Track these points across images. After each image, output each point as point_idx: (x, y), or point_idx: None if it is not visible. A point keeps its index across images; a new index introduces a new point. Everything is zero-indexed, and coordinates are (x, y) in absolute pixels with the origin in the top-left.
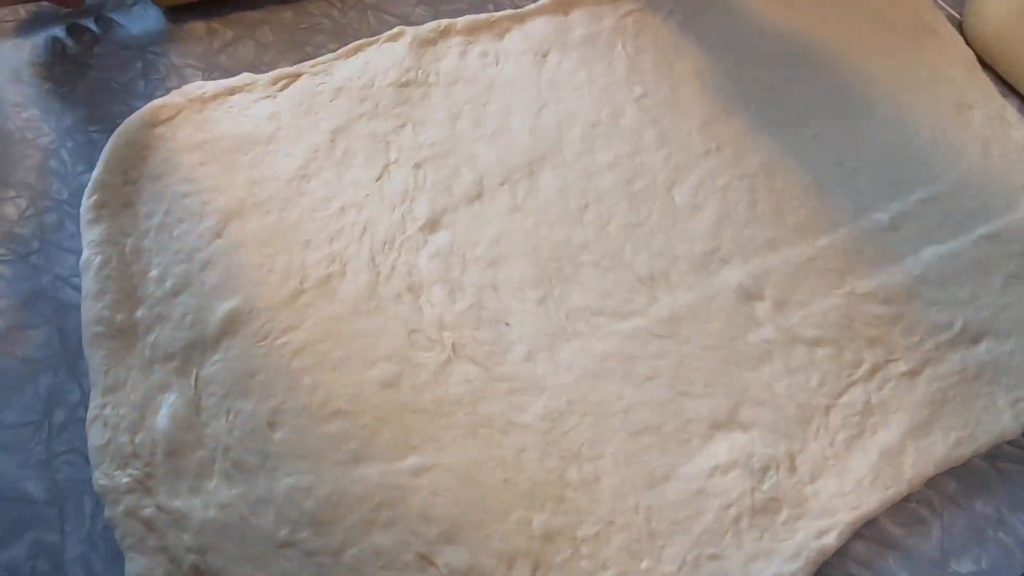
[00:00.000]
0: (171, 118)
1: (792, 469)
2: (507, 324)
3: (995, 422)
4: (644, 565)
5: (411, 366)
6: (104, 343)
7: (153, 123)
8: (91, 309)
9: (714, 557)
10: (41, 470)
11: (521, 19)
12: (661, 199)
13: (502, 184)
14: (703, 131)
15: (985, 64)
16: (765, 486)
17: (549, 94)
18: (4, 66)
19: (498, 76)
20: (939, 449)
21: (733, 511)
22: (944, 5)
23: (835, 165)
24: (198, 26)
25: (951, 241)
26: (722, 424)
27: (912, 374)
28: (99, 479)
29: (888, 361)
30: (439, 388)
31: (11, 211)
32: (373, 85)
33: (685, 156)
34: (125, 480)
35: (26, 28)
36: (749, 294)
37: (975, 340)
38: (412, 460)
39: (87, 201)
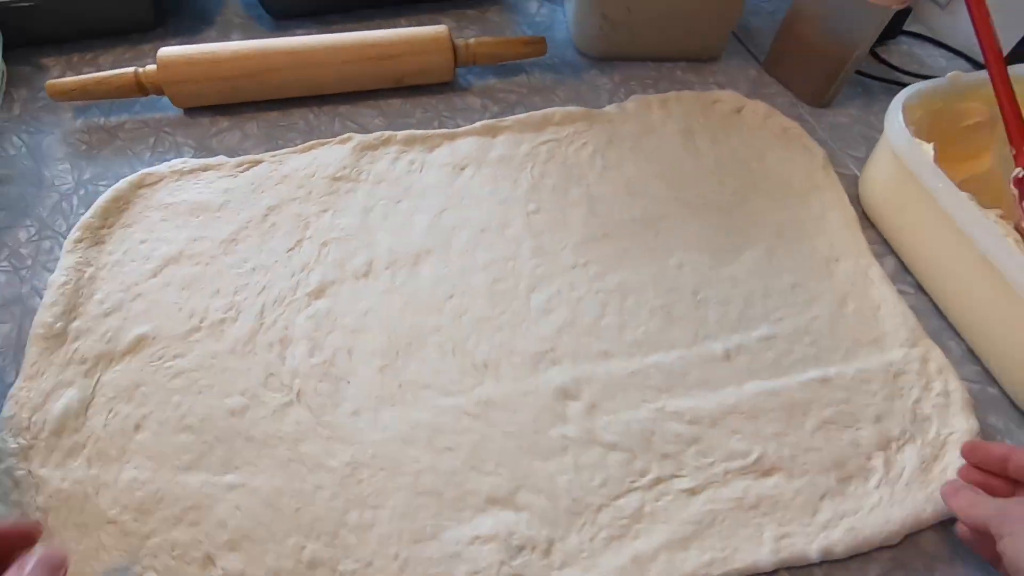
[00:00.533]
0: (154, 183)
1: (547, 553)
2: (348, 382)
3: (752, 553)
4: None
5: (258, 402)
6: (40, 342)
7: (140, 185)
8: (41, 315)
9: None
10: None
11: (452, 137)
12: (519, 300)
13: (387, 268)
14: (576, 249)
15: (872, 223)
16: (516, 562)
17: (454, 200)
18: (59, 128)
19: (417, 181)
20: (688, 565)
21: None
22: (850, 165)
23: (689, 294)
24: (204, 117)
25: (777, 380)
26: (497, 501)
27: (692, 492)
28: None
29: (674, 476)
30: (273, 424)
31: (23, 235)
32: (313, 176)
33: (552, 268)
34: (13, 446)
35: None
36: (566, 393)
37: (766, 473)
38: (229, 477)
39: (71, 235)
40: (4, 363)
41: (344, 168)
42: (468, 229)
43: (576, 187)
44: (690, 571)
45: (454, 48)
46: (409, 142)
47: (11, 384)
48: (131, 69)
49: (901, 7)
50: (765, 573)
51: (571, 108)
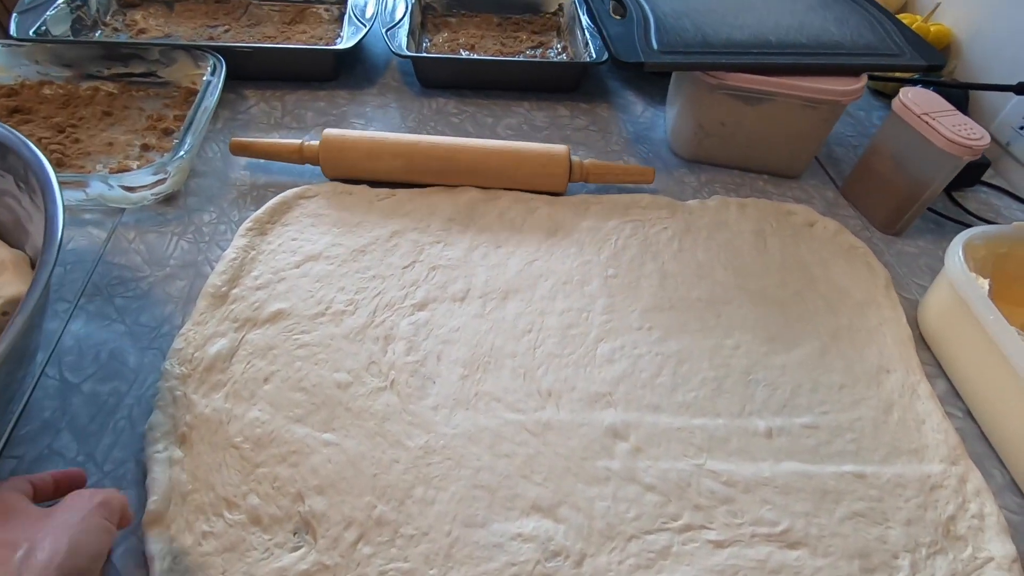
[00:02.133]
0: (312, 196)
1: (578, 564)
2: (433, 382)
3: None
4: (432, 573)
5: (360, 381)
6: (208, 298)
7: (301, 196)
8: (212, 279)
9: None
10: (139, 352)
11: (552, 203)
12: (586, 347)
13: (480, 297)
14: (644, 314)
15: (927, 346)
16: (549, 564)
17: (544, 254)
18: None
19: (516, 233)
20: None
21: (515, 570)
22: (912, 290)
23: (741, 373)
24: None
25: (813, 465)
26: (541, 509)
27: (718, 545)
28: (166, 365)
29: (703, 527)
30: (368, 401)
31: (206, 217)
32: (433, 214)
33: (621, 325)
34: (177, 371)
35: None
36: (616, 433)
37: (792, 546)
38: (327, 435)
39: (245, 225)
40: (176, 309)
41: (459, 212)
42: (552, 279)
43: (652, 262)
44: None
45: (570, 166)
46: (515, 201)
47: (180, 325)
48: (297, 142)
49: (973, 159)
50: None
51: (658, 196)
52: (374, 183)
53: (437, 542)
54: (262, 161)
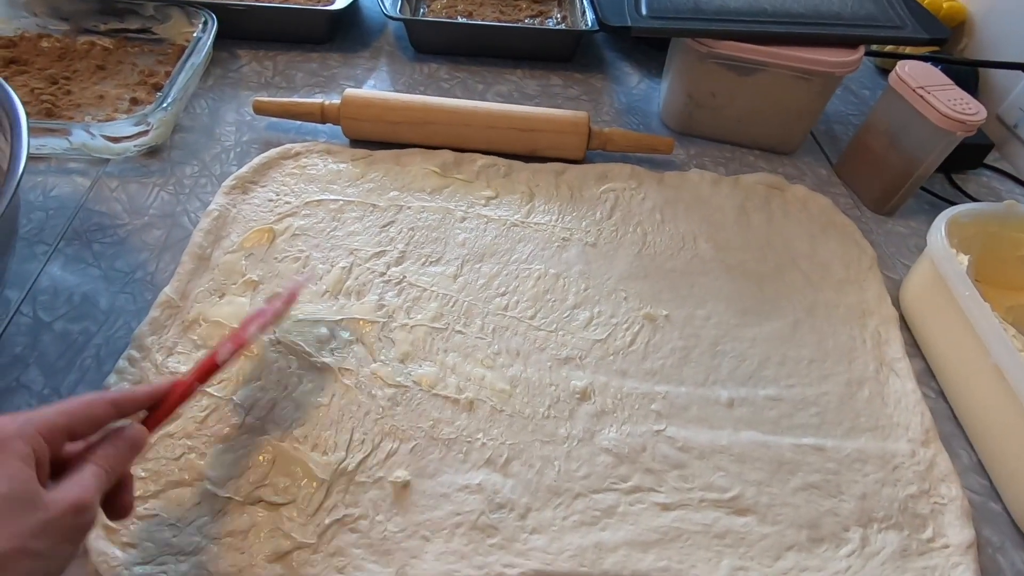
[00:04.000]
0: (295, 155)
1: (522, 517)
2: (404, 334)
3: (706, 573)
4: (379, 518)
5: (335, 337)
6: (194, 260)
7: (284, 156)
8: (197, 236)
9: (425, 539)
10: (111, 296)
11: (532, 166)
12: (561, 312)
13: (456, 258)
14: (619, 281)
15: (907, 326)
16: (493, 516)
17: (524, 218)
18: (235, 101)
19: (496, 195)
20: (643, 565)
21: (458, 519)
22: (898, 271)
23: (710, 344)
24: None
25: (774, 436)
26: (493, 463)
27: (665, 507)
28: (142, 326)
29: (652, 490)
30: (339, 358)
31: (188, 171)
32: (413, 175)
33: (597, 292)
34: (147, 332)
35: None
36: (583, 395)
37: (740, 512)
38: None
39: (227, 182)
40: (151, 256)
41: (437, 173)
42: (531, 244)
43: (632, 232)
44: (644, 571)
45: (590, 132)
46: (493, 163)
47: (154, 272)
48: (319, 100)
49: (967, 135)
50: None
51: (638, 167)
52: (383, 144)
53: (385, 489)
54: (248, 119)
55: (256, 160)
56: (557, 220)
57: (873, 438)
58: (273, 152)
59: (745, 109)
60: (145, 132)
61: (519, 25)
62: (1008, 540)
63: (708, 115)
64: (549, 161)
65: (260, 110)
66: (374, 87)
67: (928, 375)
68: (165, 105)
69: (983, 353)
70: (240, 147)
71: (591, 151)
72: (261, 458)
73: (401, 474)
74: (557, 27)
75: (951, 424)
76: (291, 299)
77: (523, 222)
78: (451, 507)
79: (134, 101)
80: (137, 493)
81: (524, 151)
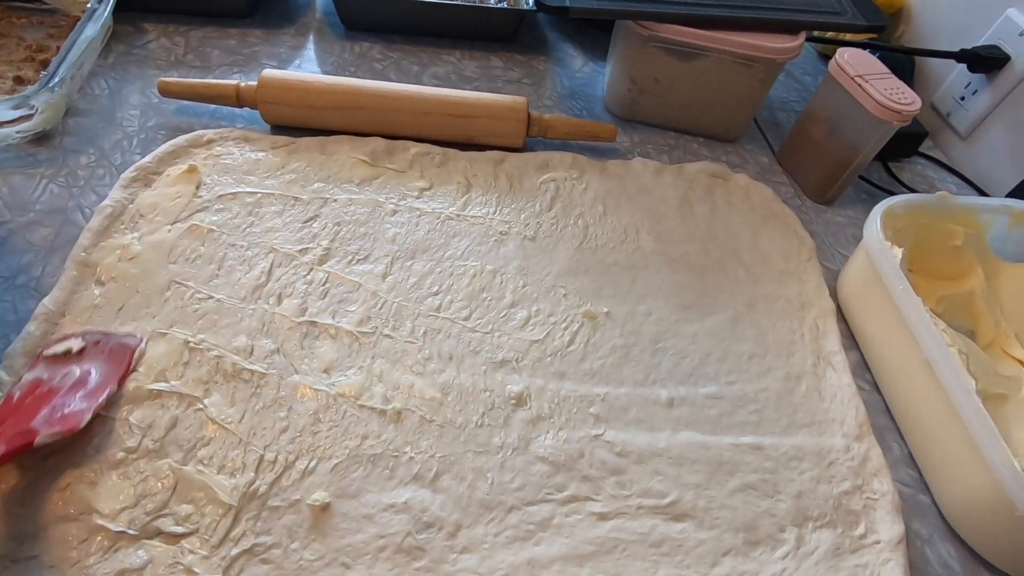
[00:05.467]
0: (207, 143)
1: (452, 536)
2: (325, 344)
3: None
4: (293, 546)
5: (254, 345)
6: (80, 266)
7: (194, 144)
8: (85, 237)
9: (346, 566)
10: None
11: (469, 156)
12: (498, 311)
13: (386, 255)
14: (559, 277)
15: (844, 318)
16: (420, 537)
17: (459, 211)
18: (140, 81)
19: (429, 186)
20: None
21: (382, 542)
22: (837, 261)
23: (650, 341)
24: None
25: (713, 436)
26: (421, 479)
27: (602, 517)
28: (15, 343)
29: (588, 499)
30: (260, 363)
31: (83, 160)
32: (340, 165)
33: (535, 290)
34: (21, 351)
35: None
36: (519, 400)
37: (677, 518)
38: (209, 400)
39: (127, 173)
40: (37, 258)
41: (366, 163)
42: (467, 239)
43: (573, 225)
44: None
45: (529, 119)
46: (426, 151)
47: (39, 277)
48: (234, 82)
49: (903, 124)
50: None
51: (579, 156)
52: (309, 130)
53: (302, 513)
54: (155, 100)
55: (162, 148)
56: (495, 213)
57: (810, 434)
58: (181, 139)
59: (688, 95)
60: (29, 116)
61: (458, 2)
62: (936, 533)
63: (652, 101)
64: (487, 149)
65: (166, 92)
66: (299, 67)
67: (863, 367)
68: (52, 85)
69: (915, 347)
70: (145, 133)
71: (531, 138)
72: (160, 484)
73: (320, 495)
74: (498, 5)
75: (884, 417)
76: (127, 372)
77: (459, 215)
78: (375, 529)
79: (19, 80)
80: (12, 534)
81: (460, 138)
